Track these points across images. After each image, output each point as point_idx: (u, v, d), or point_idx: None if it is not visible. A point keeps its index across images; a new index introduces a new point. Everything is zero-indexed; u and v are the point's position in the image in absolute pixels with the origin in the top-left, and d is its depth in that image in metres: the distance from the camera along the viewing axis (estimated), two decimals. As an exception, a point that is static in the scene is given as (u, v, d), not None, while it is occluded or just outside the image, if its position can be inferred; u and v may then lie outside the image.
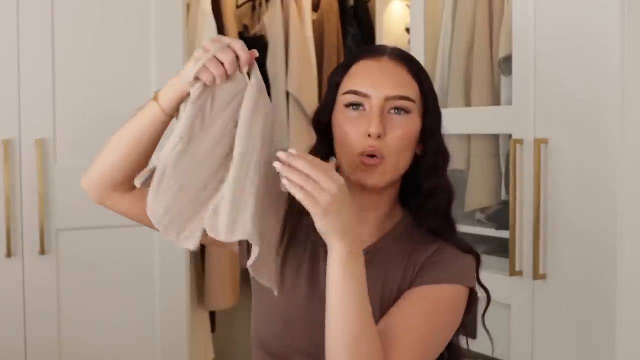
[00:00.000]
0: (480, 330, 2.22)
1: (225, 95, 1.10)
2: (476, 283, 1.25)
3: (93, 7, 2.38)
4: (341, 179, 1.02)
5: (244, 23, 3.20)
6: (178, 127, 1.10)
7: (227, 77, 1.09)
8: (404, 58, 1.22)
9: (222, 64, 1.08)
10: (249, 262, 1.10)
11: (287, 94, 3.06)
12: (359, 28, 3.27)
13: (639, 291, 1.76)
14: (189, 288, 2.60)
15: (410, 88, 1.19)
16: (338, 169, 1.08)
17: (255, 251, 1.09)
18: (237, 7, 3.22)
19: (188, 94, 1.10)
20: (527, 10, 1.94)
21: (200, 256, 2.97)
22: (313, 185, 1.01)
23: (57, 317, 2.34)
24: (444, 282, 1.18)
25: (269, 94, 2.61)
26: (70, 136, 2.32)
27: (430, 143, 1.21)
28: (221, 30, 2.87)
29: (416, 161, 1.22)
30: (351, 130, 1.16)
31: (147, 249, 2.46)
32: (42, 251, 2.29)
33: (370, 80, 1.18)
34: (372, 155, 1.15)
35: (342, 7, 3.28)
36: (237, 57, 1.09)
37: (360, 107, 1.17)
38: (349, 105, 1.18)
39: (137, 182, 1.13)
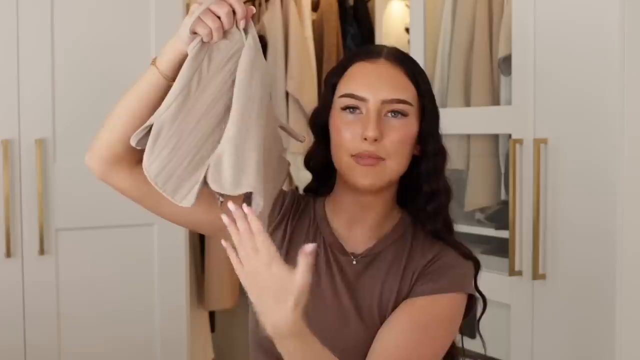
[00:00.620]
0: (479, 329, 2.22)
1: (222, 54, 1.10)
2: (474, 289, 1.24)
3: (93, 10, 2.38)
4: (265, 257, 0.99)
5: (244, 23, 3.19)
6: (175, 85, 1.09)
7: (224, 32, 1.09)
8: (400, 59, 1.20)
9: (218, 17, 1.08)
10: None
11: (287, 94, 3.07)
12: (358, 28, 3.27)
13: (638, 291, 1.76)
14: (189, 288, 2.60)
15: (407, 91, 1.17)
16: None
17: (260, 205, 1.07)
18: (237, 7, 3.22)
19: (186, 55, 1.09)
20: (527, 10, 1.95)
21: (200, 256, 2.97)
22: (245, 253, 1.00)
23: (57, 317, 2.34)
24: (441, 292, 1.17)
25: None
26: (70, 136, 2.32)
27: (428, 144, 1.20)
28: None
29: (414, 162, 1.22)
30: (347, 133, 1.16)
31: (147, 249, 2.46)
32: (42, 251, 2.29)
33: (367, 84, 1.17)
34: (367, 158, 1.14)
35: (342, 7, 3.29)
36: (233, 11, 1.09)
37: (357, 111, 1.17)
38: (345, 108, 1.17)
39: (133, 140, 1.11)
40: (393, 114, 1.16)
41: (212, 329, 3.05)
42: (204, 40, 1.08)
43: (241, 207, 1.01)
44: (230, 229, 1.00)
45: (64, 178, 2.31)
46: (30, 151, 2.27)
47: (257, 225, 0.99)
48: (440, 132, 1.23)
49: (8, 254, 2.25)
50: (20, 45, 2.27)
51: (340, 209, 1.25)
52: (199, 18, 1.07)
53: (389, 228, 1.25)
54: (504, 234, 2.12)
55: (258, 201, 1.08)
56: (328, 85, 1.24)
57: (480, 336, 1.30)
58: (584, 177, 1.81)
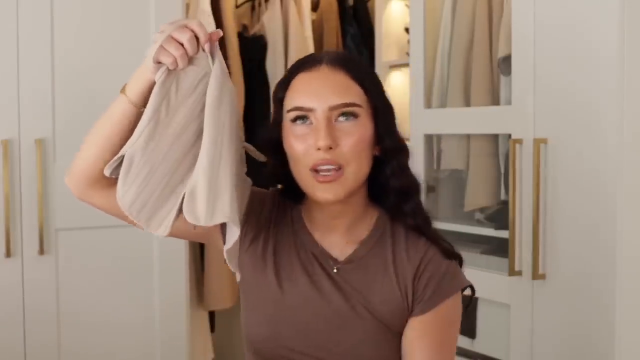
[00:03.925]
0: (479, 329, 2.23)
1: (190, 79, 1.10)
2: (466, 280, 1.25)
3: (93, 11, 2.38)
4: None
5: (244, 23, 3.20)
6: (144, 114, 1.10)
7: (190, 58, 1.09)
8: (342, 63, 1.18)
9: (181, 45, 1.08)
10: (227, 247, 1.10)
11: (287, 94, 3.06)
12: (358, 28, 3.27)
13: (638, 291, 1.76)
14: (189, 288, 2.60)
15: (353, 93, 1.16)
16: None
17: (236, 234, 1.09)
18: (237, 7, 3.23)
19: (154, 83, 1.10)
20: (527, 10, 1.95)
21: (200, 256, 2.97)
22: None
23: (57, 317, 2.34)
24: (441, 302, 1.19)
25: (268, 93, 2.64)
26: (70, 136, 2.32)
27: (387, 142, 1.19)
28: (220, 30, 2.86)
29: (376, 163, 1.20)
30: (301, 146, 1.14)
31: (146, 249, 2.46)
32: (42, 251, 2.29)
33: (312, 93, 1.15)
34: (327, 171, 1.13)
35: (342, 7, 3.29)
36: (197, 36, 1.09)
37: (307, 121, 1.15)
38: (295, 119, 1.16)
39: (107, 171, 1.13)
40: (344, 118, 1.15)
41: (212, 329, 3.05)
42: (170, 68, 1.09)
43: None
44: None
45: (63, 178, 2.29)
46: (30, 151, 2.27)
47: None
48: (396, 129, 1.22)
49: (8, 253, 2.25)
50: (20, 45, 2.27)
51: (313, 218, 1.24)
52: (161, 47, 1.08)
53: (366, 230, 1.24)
54: (503, 234, 2.12)
55: (233, 229, 1.09)
56: (275, 100, 1.22)
57: (469, 322, 1.30)
58: (583, 177, 1.81)
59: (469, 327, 2.18)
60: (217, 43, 1.13)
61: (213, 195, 1.07)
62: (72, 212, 2.34)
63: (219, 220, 1.07)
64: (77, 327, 2.37)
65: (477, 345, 2.18)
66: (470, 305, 1.28)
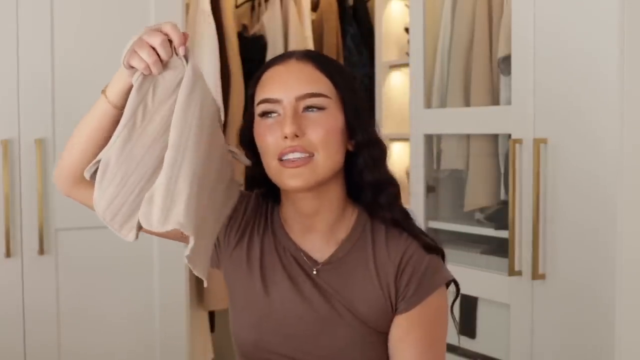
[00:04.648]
0: (479, 329, 2.23)
1: (167, 85, 1.08)
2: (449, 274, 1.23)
3: (93, 12, 2.39)
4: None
5: (243, 23, 3.20)
6: (122, 119, 1.08)
7: (165, 63, 1.07)
8: (312, 57, 1.18)
9: (154, 49, 1.05)
10: (185, 253, 1.07)
11: (287, 94, 3.06)
12: (358, 28, 3.27)
13: (638, 291, 1.76)
14: (189, 288, 2.60)
15: (320, 84, 1.15)
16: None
17: (191, 242, 1.06)
18: (236, 7, 3.23)
19: (132, 86, 1.08)
20: (526, 11, 1.95)
21: (199, 256, 2.96)
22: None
23: (57, 317, 2.35)
24: (426, 297, 1.17)
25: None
26: (70, 136, 2.32)
27: (357, 135, 1.17)
28: (220, 30, 2.87)
29: (351, 158, 1.19)
30: (270, 137, 1.13)
31: (146, 249, 2.46)
32: (42, 251, 2.29)
33: (279, 85, 1.15)
34: (295, 159, 1.12)
35: (342, 7, 3.29)
36: (170, 40, 1.07)
37: (275, 114, 1.15)
38: (263, 114, 1.16)
39: (86, 174, 1.11)
40: (310, 110, 1.14)
41: (212, 329, 3.05)
42: (144, 73, 1.06)
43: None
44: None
45: (63, 178, 2.31)
46: (30, 151, 2.27)
47: None
48: (372, 124, 1.21)
49: (8, 253, 2.25)
50: (20, 45, 2.27)
51: (290, 219, 1.23)
52: (133, 51, 1.05)
53: (346, 230, 1.22)
54: (503, 234, 2.13)
55: (190, 240, 1.06)
56: (248, 97, 1.22)
57: (454, 318, 1.28)
58: (583, 177, 1.81)
59: (469, 327, 2.18)
60: (189, 45, 1.11)
61: (170, 200, 1.04)
62: (72, 212, 2.33)
63: (171, 226, 1.04)
64: (77, 327, 2.38)
65: (477, 345, 2.18)
66: (455, 301, 1.26)
